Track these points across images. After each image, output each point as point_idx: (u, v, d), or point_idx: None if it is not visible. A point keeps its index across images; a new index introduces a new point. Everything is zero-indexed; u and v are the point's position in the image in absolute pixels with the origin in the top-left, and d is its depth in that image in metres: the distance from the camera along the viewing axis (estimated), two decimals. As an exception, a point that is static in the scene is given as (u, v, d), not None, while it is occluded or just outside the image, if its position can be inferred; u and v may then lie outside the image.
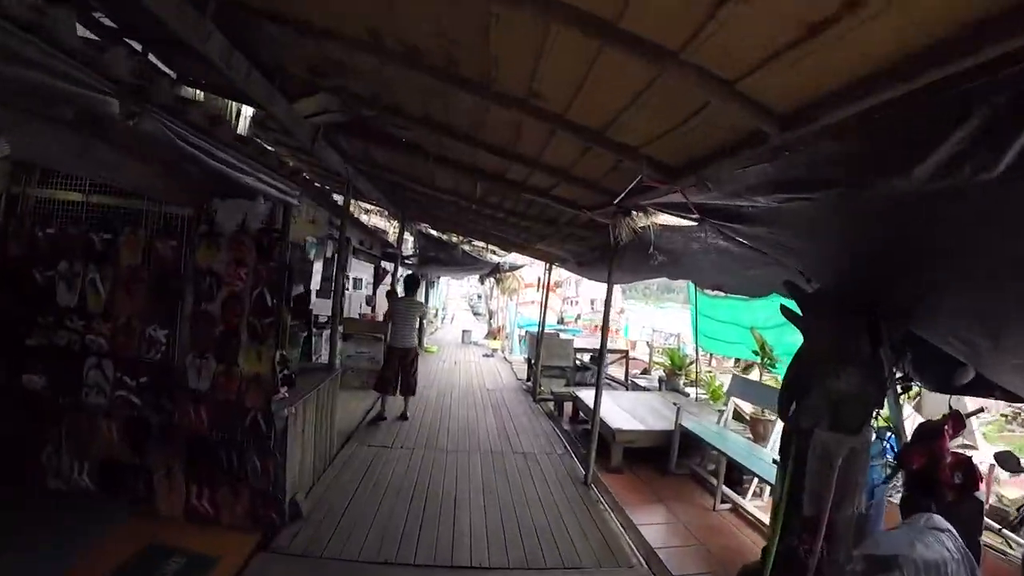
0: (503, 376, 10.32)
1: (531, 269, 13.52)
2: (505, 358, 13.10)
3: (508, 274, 13.60)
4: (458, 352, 13.48)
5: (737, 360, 12.42)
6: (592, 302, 26.24)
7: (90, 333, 3.12)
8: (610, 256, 4.41)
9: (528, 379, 9.66)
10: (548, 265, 8.54)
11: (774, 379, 8.07)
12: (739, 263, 3.52)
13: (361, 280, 12.40)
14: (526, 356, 11.64)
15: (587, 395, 6.71)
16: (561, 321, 17.25)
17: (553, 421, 7.01)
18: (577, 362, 9.50)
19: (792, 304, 2.70)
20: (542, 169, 3.52)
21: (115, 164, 2.62)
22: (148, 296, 3.13)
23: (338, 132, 3.69)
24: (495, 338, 16.11)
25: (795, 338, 6.38)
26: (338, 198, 5.07)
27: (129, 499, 3.21)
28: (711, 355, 10.55)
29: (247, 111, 3.97)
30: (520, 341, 14.84)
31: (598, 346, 11.42)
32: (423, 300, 9.71)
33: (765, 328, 6.59)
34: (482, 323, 22.35)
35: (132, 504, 3.19)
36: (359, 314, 10.08)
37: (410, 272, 8.16)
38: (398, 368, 6.03)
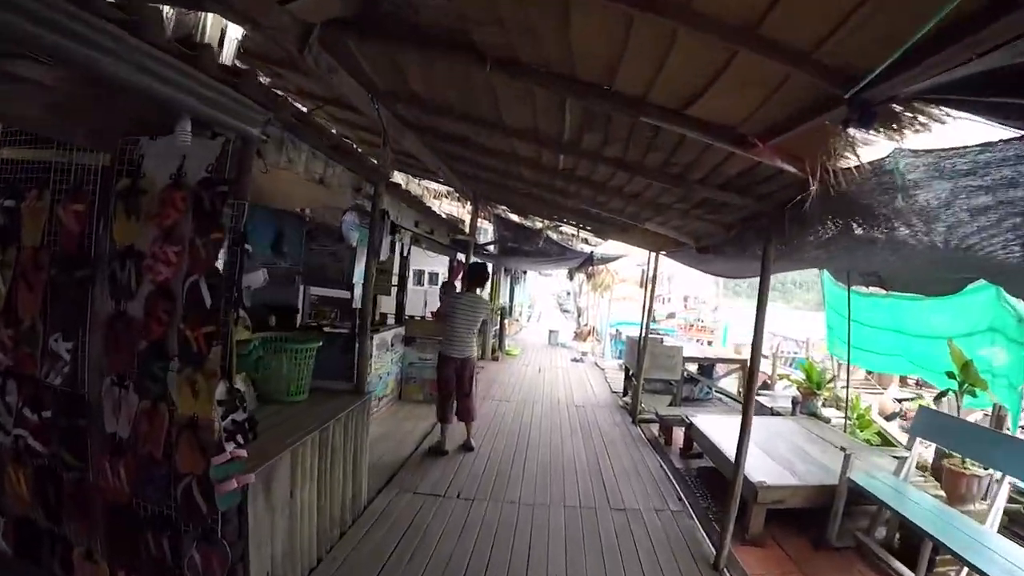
0: (595, 387, 8.73)
1: (627, 260, 11.70)
2: (596, 363, 11.44)
3: (600, 268, 11.88)
4: (543, 355, 12.04)
5: (869, 373, 9.85)
6: (685, 299, 23.44)
7: (-14, 343, 2.13)
8: (788, 222, 2.69)
9: (625, 392, 8.04)
10: (654, 253, 6.80)
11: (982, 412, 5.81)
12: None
13: (437, 274, 11.43)
14: (621, 362, 9.96)
15: (705, 422, 4.98)
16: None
17: (659, 453, 5.35)
18: (684, 373, 7.71)
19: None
20: (695, 25, 1.59)
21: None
22: (50, 290, 2.05)
23: (344, 34, 2.38)
24: (584, 340, 14.48)
25: (990, 351, 4.28)
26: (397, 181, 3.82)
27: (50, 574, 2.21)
28: (837, 366, 8.34)
29: (235, 31, 2.83)
30: (612, 341, 13.16)
31: (703, 353, 9.67)
32: (491, 297, 8.38)
33: (955, 336, 4.82)
34: (570, 320, 20.86)
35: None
36: (430, 313, 9.02)
37: (476, 260, 6.77)
38: (453, 385, 4.63)
